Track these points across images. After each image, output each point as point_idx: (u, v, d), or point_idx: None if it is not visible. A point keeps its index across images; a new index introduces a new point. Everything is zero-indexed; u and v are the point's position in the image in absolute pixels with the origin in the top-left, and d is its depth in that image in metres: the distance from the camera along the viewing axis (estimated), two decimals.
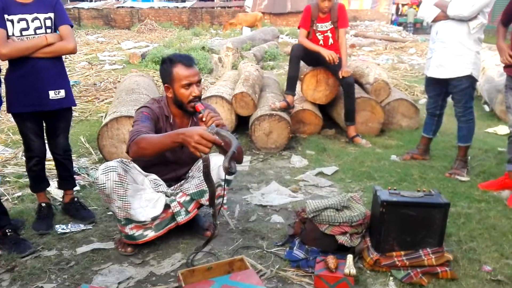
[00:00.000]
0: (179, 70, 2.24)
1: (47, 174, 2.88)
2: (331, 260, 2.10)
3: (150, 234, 2.38)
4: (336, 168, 3.66)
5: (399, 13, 26.04)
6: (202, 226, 2.61)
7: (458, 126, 3.53)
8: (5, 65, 2.55)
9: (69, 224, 2.70)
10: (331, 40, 4.30)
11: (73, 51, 2.58)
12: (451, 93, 3.50)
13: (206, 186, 2.37)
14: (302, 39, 4.30)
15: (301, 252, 2.32)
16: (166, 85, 2.35)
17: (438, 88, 3.57)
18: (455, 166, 3.52)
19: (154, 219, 2.34)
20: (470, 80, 3.38)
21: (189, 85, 2.25)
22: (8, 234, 2.44)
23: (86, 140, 4.37)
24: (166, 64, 2.28)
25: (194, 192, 2.40)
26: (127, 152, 2.18)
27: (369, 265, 2.19)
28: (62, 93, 2.58)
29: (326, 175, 3.54)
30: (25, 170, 2.95)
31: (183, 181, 2.54)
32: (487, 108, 5.75)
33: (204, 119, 2.14)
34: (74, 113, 5.32)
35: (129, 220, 2.31)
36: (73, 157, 3.78)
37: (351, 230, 2.28)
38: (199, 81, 2.30)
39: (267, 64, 9.33)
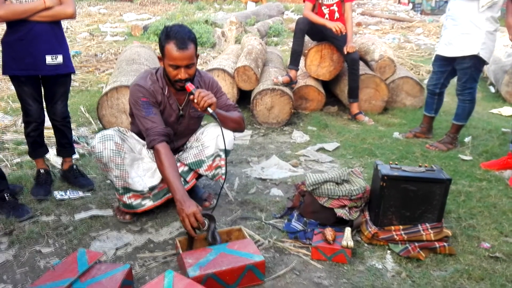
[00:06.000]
0: (170, 49, 2.08)
1: (46, 141, 2.86)
2: (329, 232, 2.10)
3: (148, 203, 2.37)
4: (337, 144, 3.64)
5: None
6: (201, 197, 2.60)
7: (457, 104, 3.49)
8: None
9: (68, 191, 2.69)
10: (337, 14, 4.19)
11: (72, 16, 2.50)
12: (456, 69, 3.43)
13: (205, 156, 2.36)
14: (307, 12, 4.20)
15: (299, 224, 2.32)
16: (159, 55, 2.23)
17: (444, 66, 3.50)
18: (441, 139, 3.56)
19: (152, 188, 2.33)
20: (474, 61, 3.25)
21: (176, 66, 2.12)
22: (7, 198, 2.44)
23: (86, 110, 4.34)
24: (162, 36, 2.14)
25: (192, 162, 2.38)
26: (152, 148, 2.20)
27: (367, 238, 2.19)
28: (59, 58, 2.52)
29: (327, 151, 3.52)
30: (24, 137, 2.92)
31: (181, 152, 2.51)
32: (492, 89, 5.67)
33: (195, 100, 2.08)
34: (74, 83, 5.28)
35: (127, 189, 2.30)
36: (73, 126, 3.77)
37: (350, 203, 2.27)
38: (189, 65, 2.13)
39: (271, 40, 9.19)
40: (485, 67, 5.87)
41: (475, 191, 2.78)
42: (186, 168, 2.39)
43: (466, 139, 3.68)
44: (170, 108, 2.35)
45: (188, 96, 2.35)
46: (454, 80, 3.59)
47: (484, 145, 3.59)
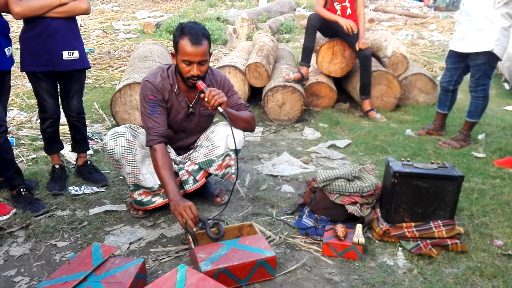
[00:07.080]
0: (184, 44, 2.10)
1: (61, 138, 2.92)
2: (340, 228, 2.10)
3: (158, 200, 2.40)
4: (349, 141, 3.63)
5: None
6: (213, 193, 2.62)
7: (470, 101, 3.45)
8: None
9: (82, 186, 2.74)
10: (349, 10, 4.18)
11: (86, 12, 2.55)
12: (469, 65, 3.39)
13: (215, 156, 2.38)
14: (319, 8, 4.19)
15: (310, 221, 2.33)
16: (172, 52, 2.25)
17: (458, 62, 3.46)
18: (454, 136, 3.53)
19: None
20: (488, 57, 3.21)
21: (190, 62, 2.14)
22: (23, 193, 2.50)
23: (99, 106, 4.40)
24: (177, 32, 2.16)
25: (203, 161, 2.40)
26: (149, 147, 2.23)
27: (378, 235, 2.18)
28: (76, 54, 2.57)
29: (339, 148, 3.51)
30: (39, 133, 2.97)
31: (192, 150, 2.53)
32: (507, 86, 5.59)
33: (206, 99, 2.10)
34: (88, 80, 5.34)
35: (137, 186, 2.33)
36: (87, 122, 3.82)
37: (361, 200, 2.27)
38: (202, 61, 2.15)
39: (283, 37, 9.17)
40: (500, 64, 5.78)
41: (488, 188, 2.75)
42: (196, 167, 2.41)
43: (480, 136, 3.64)
44: (178, 105, 2.35)
45: (198, 94, 2.35)
46: (467, 77, 3.55)
47: (498, 142, 3.55)
